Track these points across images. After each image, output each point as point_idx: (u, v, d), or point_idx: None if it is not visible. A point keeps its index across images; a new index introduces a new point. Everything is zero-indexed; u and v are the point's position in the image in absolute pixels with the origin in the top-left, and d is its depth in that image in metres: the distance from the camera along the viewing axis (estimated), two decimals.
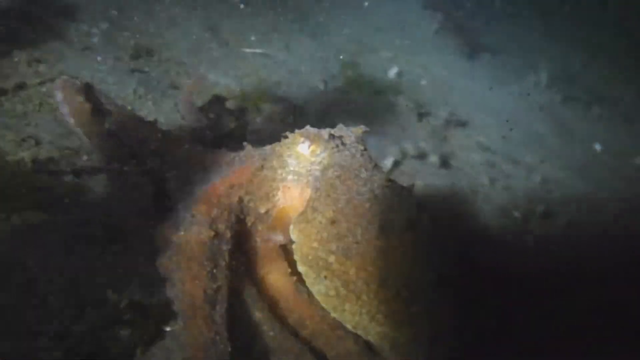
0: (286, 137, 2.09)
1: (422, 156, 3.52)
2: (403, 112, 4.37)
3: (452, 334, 1.91)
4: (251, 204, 2.05)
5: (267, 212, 2.04)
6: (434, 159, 3.49)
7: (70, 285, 1.64)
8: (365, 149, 2.10)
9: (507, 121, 4.95)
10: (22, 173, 1.88)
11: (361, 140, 2.12)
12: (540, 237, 3.01)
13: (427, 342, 1.85)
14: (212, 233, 1.90)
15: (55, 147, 2.34)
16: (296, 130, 2.08)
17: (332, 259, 1.82)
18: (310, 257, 1.85)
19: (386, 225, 1.87)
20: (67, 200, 1.95)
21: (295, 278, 1.96)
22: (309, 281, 1.86)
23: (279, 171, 2.06)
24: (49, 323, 1.51)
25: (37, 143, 2.31)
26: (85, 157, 2.30)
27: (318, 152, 2.01)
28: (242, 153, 2.18)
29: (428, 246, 1.94)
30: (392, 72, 5.38)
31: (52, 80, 2.78)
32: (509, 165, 4.08)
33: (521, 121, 5.28)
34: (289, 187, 2.05)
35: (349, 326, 1.83)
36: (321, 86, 4.36)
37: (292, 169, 2.03)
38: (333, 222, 1.87)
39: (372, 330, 1.82)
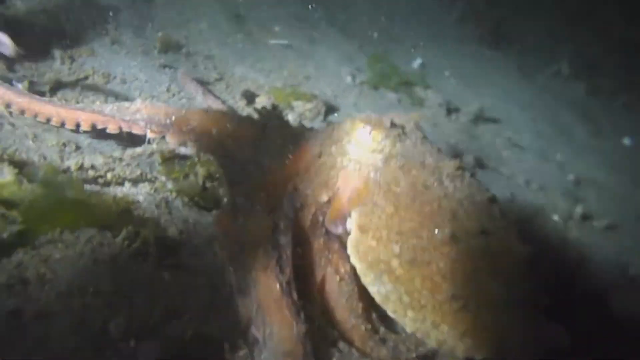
0: (344, 122, 1.95)
1: (457, 155, 3.45)
2: (432, 107, 4.28)
3: (519, 352, 1.77)
4: (309, 192, 1.90)
5: (328, 201, 1.88)
6: (468, 158, 3.41)
7: (125, 312, 1.58)
8: (425, 137, 1.97)
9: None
10: (72, 185, 1.82)
11: (419, 127, 2.00)
12: (584, 242, 2.94)
13: (492, 354, 1.73)
14: (273, 223, 1.80)
15: (96, 151, 2.28)
16: (357, 116, 1.96)
17: (395, 263, 1.71)
18: (369, 257, 1.74)
19: (457, 228, 1.72)
20: (117, 214, 1.89)
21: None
22: (365, 279, 1.76)
23: (339, 159, 1.91)
24: None
25: (78, 147, 2.25)
26: (126, 163, 2.24)
27: (379, 139, 1.85)
28: (297, 137, 2.04)
29: (501, 254, 1.77)
30: (416, 63, 5.28)
31: (86, 78, 2.72)
32: (542, 163, 4.00)
33: (547, 114, 5.19)
34: (348, 176, 1.88)
35: (407, 329, 1.73)
36: (349, 80, 4.27)
37: (352, 156, 1.88)
38: (395, 220, 1.74)
39: (432, 337, 1.71)
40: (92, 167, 2.12)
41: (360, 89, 4.22)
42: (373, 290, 1.74)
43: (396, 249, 1.71)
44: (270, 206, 1.86)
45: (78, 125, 2.16)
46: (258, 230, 1.79)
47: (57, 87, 2.56)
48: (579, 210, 3.22)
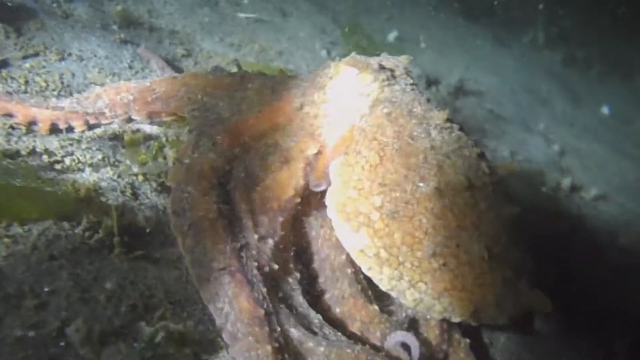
0: (327, 66, 1.80)
1: None
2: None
3: (495, 314, 1.68)
4: (293, 144, 1.74)
5: (318, 153, 1.73)
6: None
7: (86, 312, 1.39)
8: (414, 83, 1.83)
9: None
10: (22, 172, 1.60)
11: (408, 71, 1.84)
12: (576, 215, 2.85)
13: (467, 315, 1.64)
14: (227, 165, 1.66)
15: (50, 133, 2.05)
16: (341, 59, 1.80)
17: (375, 216, 1.59)
18: (348, 208, 1.62)
19: (443, 182, 1.61)
20: (76, 202, 1.68)
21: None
22: (341, 232, 1.63)
23: (322, 106, 1.77)
24: None
25: (30, 130, 2.01)
26: (84, 146, 2.02)
27: (367, 82, 1.72)
28: (277, 86, 1.86)
29: (487, 212, 1.66)
30: (392, 36, 5.11)
31: (35, 54, 2.46)
32: (525, 134, 3.89)
33: (526, 84, 5.09)
34: (333, 124, 1.76)
35: (382, 286, 1.62)
36: (324, 53, 4.07)
37: (337, 102, 1.75)
38: (379, 171, 1.61)
39: (408, 295, 1.60)
40: (47, 151, 1.89)
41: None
42: (349, 244, 1.62)
43: (378, 201, 1.60)
44: (234, 153, 1.71)
45: (33, 124, 1.91)
46: (209, 165, 1.63)
47: (1, 64, 2.30)
48: (567, 181, 3.12)
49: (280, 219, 1.65)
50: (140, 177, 1.99)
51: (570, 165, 3.54)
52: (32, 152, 1.85)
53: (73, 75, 2.45)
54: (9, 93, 1.90)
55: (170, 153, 2.08)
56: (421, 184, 1.61)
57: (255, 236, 1.56)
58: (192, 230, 1.49)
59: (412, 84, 1.80)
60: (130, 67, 2.71)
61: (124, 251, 1.62)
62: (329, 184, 1.70)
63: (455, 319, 1.64)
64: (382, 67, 1.75)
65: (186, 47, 3.36)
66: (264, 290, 1.45)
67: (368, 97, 1.72)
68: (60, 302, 1.39)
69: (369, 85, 1.72)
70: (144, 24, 3.38)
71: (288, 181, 1.69)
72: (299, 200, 1.70)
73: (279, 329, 1.39)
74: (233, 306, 1.38)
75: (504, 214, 1.71)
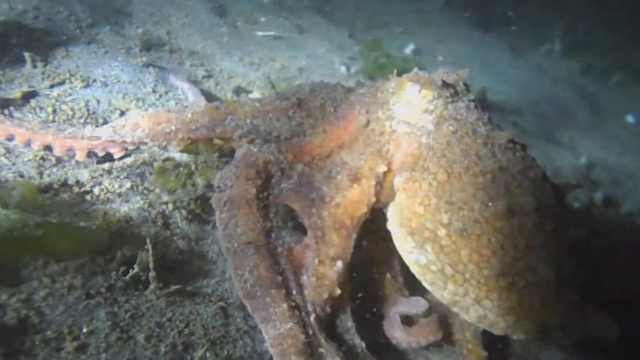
0: (389, 82, 1.81)
1: None
2: None
3: (559, 336, 1.72)
4: (362, 163, 1.74)
5: (387, 171, 1.74)
6: None
7: (127, 354, 1.35)
8: (474, 100, 1.82)
9: None
10: (57, 207, 1.57)
11: (468, 87, 1.85)
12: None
13: (532, 334, 1.67)
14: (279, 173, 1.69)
15: (79, 164, 2.02)
16: (404, 75, 1.80)
17: (442, 232, 1.61)
18: (413, 224, 1.65)
19: (512, 202, 1.62)
20: (109, 235, 1.65)
21: None
22: (404, 247, 1.67)
23: (387, 123, 1.78)
24: None
25: (59, 161, 1.99)
26: (113, 175, 1.99)
27: (430, 98, 1.71)
28: (339, 103, 1.87)
29: (552, 233, 1.67)
30: (409, 49, 5.08)
31: (62, 82, 2.45)
32: (551, 147, 3.82)
33: (547, 94, 5.02)
34: (399, 140, 1.75)
35: (443, 301, 1.66)
36: (343, 70, 4.04)
37: (401, 118, 1.75)
38: (446, 188, 1.64)
39: (472, 311, 1.64)
40: (77, 183, 1.87)
41: (356, 78, 3.99)
42: (410, 259, 1.67)
43: (445, 218, 1.61)
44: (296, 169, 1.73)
45: (72, 155, 1.88)
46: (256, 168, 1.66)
47: (29, 94, 2.28)
48: (599, 195, 3.04)
49: (354, 235, 1.66)
50: (170, 206, 1.96)
51: (599, 179, 3.46)
52: (64, 184, 1.82)
53: (98, 101, 2.44)
54: (46, 125, 1.88)
55: (199, 180, 2.04)
56: (490, 204, 1.62)
57: (316, 260, 1.59)
58: (228, 205, 1.56)
59: (473, 101, 1.80)
60: (154, 91, 2.69)
61: (160, 286, 1.58)
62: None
63: (518, 337, 1.67)
64: (444, 84, 1.76)
65: (207, 68, 3.35)
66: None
67: (432, 113, 1.73)
68: (99, 343, 1.36)
69: (432, 102, 1.72)
70: (164, 45, 3.38)
71: (360, 198, 1.70)
72: (368, 216, 1.73)
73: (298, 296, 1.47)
74: (253, 273, 1.43)
75: (570, 236, 1.74)
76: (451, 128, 1.71)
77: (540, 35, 6.56)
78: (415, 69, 1.85)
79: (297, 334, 1.35)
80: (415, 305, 1.76)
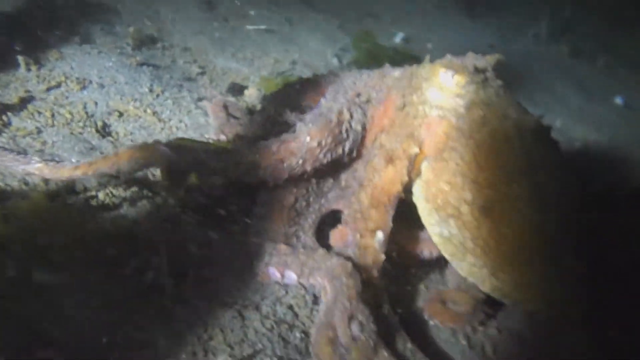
0: (422, 67, 1.88)
1: None
2: None
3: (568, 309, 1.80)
4: (397, 146, 1.84)
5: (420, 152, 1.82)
6: None
7: None
8: (505, 85, 1.88)
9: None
10: (61, 214, 1.55)
11: (499, 74, 1.90)
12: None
13: (542, 309, 1.78)
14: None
15: None
16: (436, 61, 1.87)
17: (465, 209, 1.70)
18: (439, 200, 1.73)
19: (536, 185, 1.73)
20: (120, 241, 1.63)
21: None
22: (429, 220, 1.76)
23: (420, 107, 1.84)
24: None
25: None
26: (123, 182, 1.97)
27: (463, 83, 1.78)
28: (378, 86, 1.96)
29: (574, 217, 1.81)
30: (399, 38, 5.07)
31: (58, 85, 2.41)
32: None
33: (537, 79, 5.05)
34: (432, 124, 1.82)
35: (461, 272, 1.75)
36: (335, 61, 4.03)
37: (434, 103, 1.81)
38: (472, 169, 1.71)
39: (488, 283, 1.73)
40: (85, 189, 1.84)
41: (349, 69, 3.97)
42: (434, 231, 1.75)
43: (469, 196, 1.70)
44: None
45: None
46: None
47: (26, 99, 2.25)
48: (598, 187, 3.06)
49: (391, 212, 1.78)
50: (178, 209, 1.95)
51: (595, 162, 3.50)
52: (72, 190, 1.80)
53: (96, 104, 2.41)
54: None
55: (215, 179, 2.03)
56: (513, 185, 1.71)
57: (357, 235, 1.74)
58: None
59: (503, 85, 1.86)
60: (151, 91, 2.66)
61: (175, 292, 1.57)
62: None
63: (527, 309, 1.77)
64: (476, 69, 1.82)
65: (200, 65, 3.32)
66: None
67: (464, 98, 1.79)
68: (119, 353, 1.35)
69: (464, 87, 1.78)
70: (156, 43, 3.34)
71: (395, 178, 1.81)
72: (402, 196, 1.83)
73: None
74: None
75: (588, 223, 1.87)
76: (481, 112, 1.77)
77: (527, 19, 6.58)
78: (448, 55, 1.90)
79: None
80: None
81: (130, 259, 1.61)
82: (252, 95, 3.01)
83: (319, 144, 1.84)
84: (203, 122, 2.61)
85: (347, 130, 1.90)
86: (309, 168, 1.86)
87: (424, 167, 1.79)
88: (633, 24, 7.39)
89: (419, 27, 5.57)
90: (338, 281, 1.55)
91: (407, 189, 1.84)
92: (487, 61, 1.87)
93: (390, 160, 1.81)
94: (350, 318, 1.47)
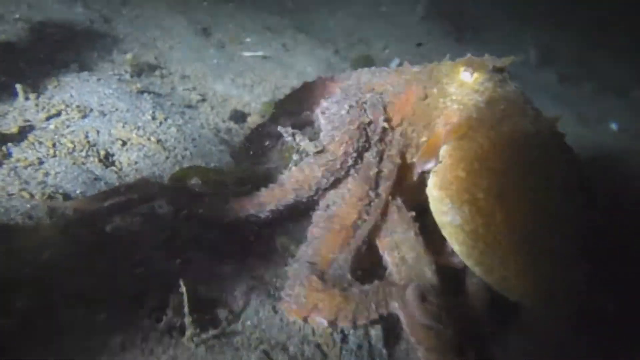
0: (442, 65, 2.00)
1: None
2: None
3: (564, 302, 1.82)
4: (414, 135, 1.95)
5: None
6: None
7: None
8: (520, 87, 2.01)
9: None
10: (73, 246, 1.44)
11: (512, 77, 2.02)
12: None
13: (546, 302, 1.79)
14: None
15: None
16: (457, 59, 1.98)
17: (480, 195, 1.73)
18: (454, 186, 1.75)
19: (549, 180, 1.80)
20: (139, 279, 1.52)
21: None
22: (440, 207, 1.77)
23: (441, 100, 1.93)
24: None
25: (66, 198, 1.85)
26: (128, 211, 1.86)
27: (481, 80, 1.89)
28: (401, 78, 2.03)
29: (580, 210, 1.85)
30: (394, 64, 5.07)
31: (58, 114, 2.31)
32: None
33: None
34: (450, 116, 1.90)
35: (469, 262, 1.74)
36: None
37: (454, 97, 1.91)
38: (490, 157, 1.77)
39: (496, 273, 1.72)
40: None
41: None
42: (445, 220, 1.75)
43: (485, 183, 1.73)
44: None
45: None
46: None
47: (26, 129, 2.14)
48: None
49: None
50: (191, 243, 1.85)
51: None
52: (80, 223, 1.69)
53: (98, 132, 2.31)
54: None
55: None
56: (529, 177, 1.78)
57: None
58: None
59: (518, 87, 1.97)
60: (154, 118, 2.57)
61: (197, 332, 1.46)
62: (436, 163, 1.85)
63: (530, 305, 1.77)
64: (494, 68, 1.91)
65: (200, 92, 3.25)
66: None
67: (483, 94, 1.88)
68: None
69: (483, 83, 1.88)
70: (154, 70, 3.27)
71: (408, 167, 1.94)
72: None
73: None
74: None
75: (596, 220, 1.89)
76: (502, 107, 1.85)
77: (514, 45, 6.68)
78: (469, 54, 2.00)
79: None
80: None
81: (147, 296, 1.50)
82: (255, 123, 2.94)
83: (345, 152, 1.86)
84: (208, 150, 2.53)
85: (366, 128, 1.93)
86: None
87: (442, 154, 1.83)
88: (613, 48, 7.56)
89: (411, 53, 5.60)
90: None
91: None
92: (504, 62, 1.95)
93: (405, 150, 1.92)
94: None
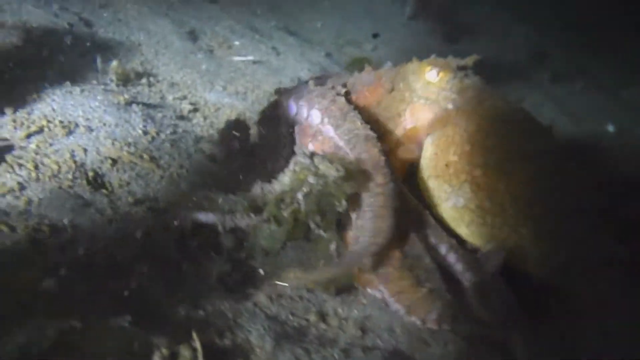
0: (409, 63, 2.11)
1: None
2: None
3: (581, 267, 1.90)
4: (382, 124, 2.06)
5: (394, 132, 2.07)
6: None
7: None
8: (482, 79, 2.09)
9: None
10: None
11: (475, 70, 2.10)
12: None
13: (562, 260, 1.87)
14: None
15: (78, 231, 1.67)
16: (424, 60, 2.07)
17: (478, 172, 1.80)
18: (450, 170, 1.83)
19: (537, 145, 1.91)
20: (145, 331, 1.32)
21: None
22: (439, 195, 1.84)
23: (407, 94, 2.05)
24: None
25: (53, 229, 1.63)
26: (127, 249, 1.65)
27: (447, 79, 1.99)
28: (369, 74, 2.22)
29: (572, 172, 1.98)
30: (387, 65, 4.90)
31: (39, 130, 2.08)
32: None
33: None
34: (417, 110, 2.03)
35: (481, 240, 1.79)
36: None
37: (420, 94, 2.02)
38: (478, 137, 1.85)
39: (511, 241, 1.78)
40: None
41: None
42: (448, 205, 1.83)
43: (480, 159, 1.81)
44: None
45: None
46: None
47: (4, 149, 1.91)
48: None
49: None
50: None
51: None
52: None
53: (85, 151, 2.08)
54: None
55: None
56: (518, 147, 1.89)
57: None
58: None
59: (482, 79, 2.06)
60: (145, 133, 2.35)
61: None
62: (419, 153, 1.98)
63: (543, 271, 1.83)
64: (460, 67, 2.03)
65: (191, 101, 3.02)
66: None
67: (451, 90, 1.99)
68: None
69: (449, 81, 1.99)
70: (141, 78, 3.04)
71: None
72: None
73: None
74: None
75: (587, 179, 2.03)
76: (473, 93, 1.97)
77: (506, 45, 6.59)
78: (433, 55, 2.12)
79: None
80: None
81: (153, 348, 1.29)
82: (253, 135, 2.75)
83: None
84: (206, 167, 2.32)
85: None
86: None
87: (427, 146, 1.94)
88: (603, 47, 7.54)
89: (401, 53, 5.43)
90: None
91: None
92: (467, 61, 2.05)
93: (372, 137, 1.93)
94: None
